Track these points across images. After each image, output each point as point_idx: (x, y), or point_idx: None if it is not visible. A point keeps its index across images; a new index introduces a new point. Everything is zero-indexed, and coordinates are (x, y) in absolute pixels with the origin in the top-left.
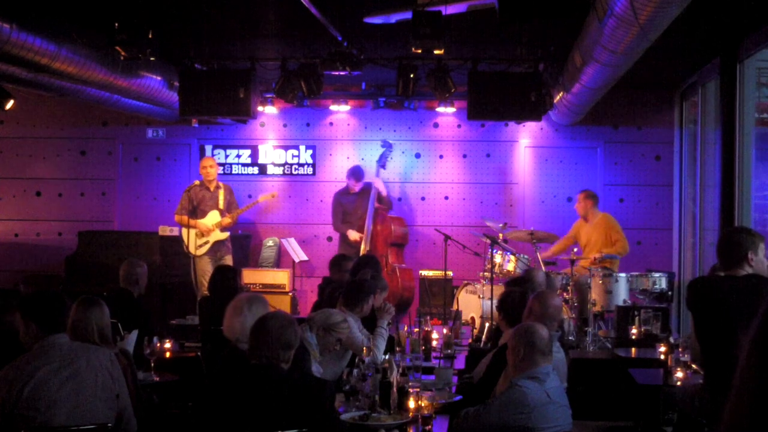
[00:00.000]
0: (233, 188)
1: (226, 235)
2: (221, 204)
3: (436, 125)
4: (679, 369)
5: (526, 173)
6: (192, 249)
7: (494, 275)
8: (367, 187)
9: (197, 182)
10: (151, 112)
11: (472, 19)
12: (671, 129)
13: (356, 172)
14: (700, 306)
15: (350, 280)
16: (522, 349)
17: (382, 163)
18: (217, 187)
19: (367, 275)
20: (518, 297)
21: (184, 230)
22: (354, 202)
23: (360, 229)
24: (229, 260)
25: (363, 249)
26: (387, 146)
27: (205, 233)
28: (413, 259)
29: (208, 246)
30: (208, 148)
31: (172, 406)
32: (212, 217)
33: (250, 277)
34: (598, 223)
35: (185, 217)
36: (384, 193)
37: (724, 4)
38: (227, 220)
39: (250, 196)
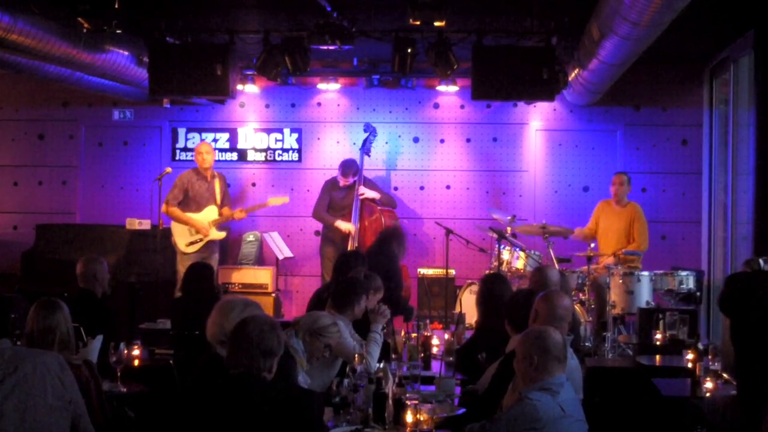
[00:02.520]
0: None
1: (222, 235)
2: (218, 197)
3: (436, 106)
4: (708, 379)
5: (537, 160)
6: (181, 245)
7: (502, 274)
8: (354, 183)
9: (193, 169)
10: (118, 91)
11: None
12: (700, 110)
13: (345, 167)
14: (738, 306)
15: (340, 280)
16: (535, 356)
17: (365, 149)
18: (213, 177)
19: (361, 274)
20: (524, 298)
21: (175, 224)
22: (344, 195)
23: (346, 221)
24: (215, 260)
25: (350, 246)
26: (370, 131)
27: (200, 230)
28: (411, 255)
29: (200, 245)
30: (181, 132)
31: (141, 420)
32: (209, 213)
33: (229, 276)
34: (626, 212)
35: (178, 210)
36: (376, 197)
37: None
38: (240, 213)
39: (228, 185)
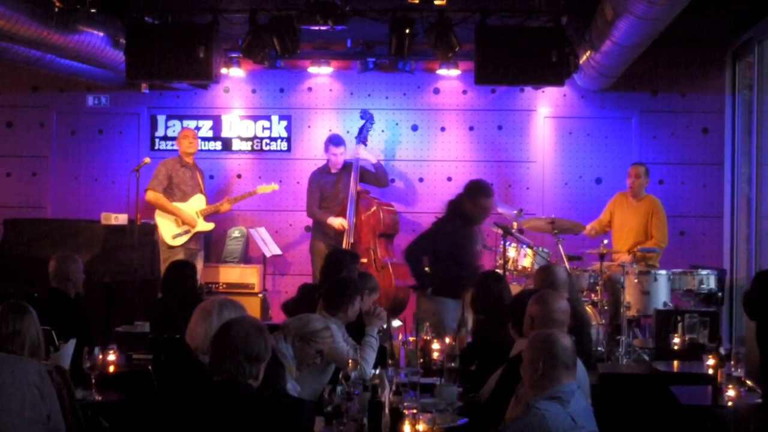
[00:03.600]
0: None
1: (211, 226)
2: (202, 187)
3: (436, 91)
4: (731, 386)
5: (545, 149)
6: (167, 238)
7: (508, 272)
8: (348, 167)
9: (176, 157)
10: (93, 76)
11: None
12: (721, 95)
13: (333, 139)
14: (764, 307)
15: (332, 279)
16: (541, 362)
17: (362, 137)
18: (195, 167)
19: (355, 273)
20: (529, 299)
21: (159, 214)
22: (333, 183)
23: (340, 217)
24: (201, 257)
25: (345, 243)
26: (367, 118)
27: (188, 222)
28: None
29: (187, 237)
30: (161, 119)
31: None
32: (197, 202)
33: (212, 275)
34: (643, 205)
35: (164, 198)
36: (374, 160)
37: None
38: (226, 205)
39: (211, 177)
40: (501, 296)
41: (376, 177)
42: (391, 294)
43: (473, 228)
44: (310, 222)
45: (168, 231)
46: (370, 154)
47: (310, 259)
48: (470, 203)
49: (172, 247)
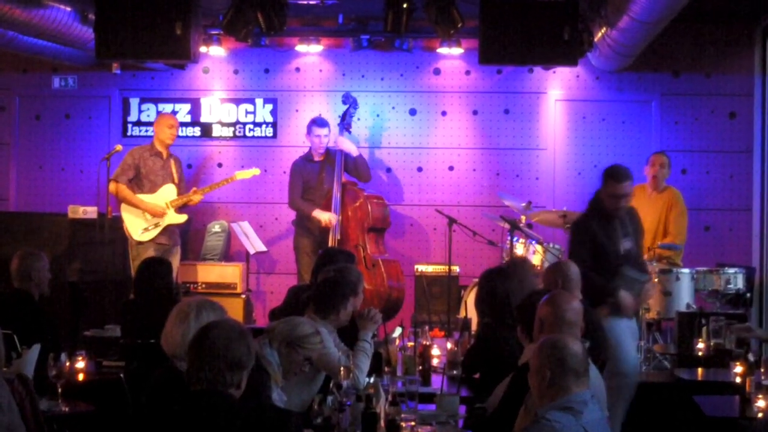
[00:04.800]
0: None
1: (183, 218)
2: (175, 177)
3: (437, 72)
4: (760, 396)
5: (556, 135)
6: (135, 233)
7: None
8: (333, 154)
9: (147, 144)
10: (59, 55)
11: None
12: (750, 76)
13: (316, 121)
14: None
15: (322, 279)
16: (548, 370)
17: (345, 124)
18: (169, 156)
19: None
20: (539, 300)
21: (125, 208)
22: (317, 172)
23: (326, 210)
24: (176, 253)
25: (331, 239)
26: (350, 102)
27: (156, 214)
28: (407, 249)
29: (158, 230)
30: (134, 102)
31: None
32: (166, 193)
33: (190, 273)
34: (662, 198)
35: (127, 190)
36: (354, 152)
37: None
38: (197, 196)
39: (189, 167)
40: (508, 297)
41: (356, 169)
42: (383, 294)
43: (614, 223)
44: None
45: (135, 225)
46: (351, 145)
47: (295, 258)
48: (603, 191)
49: (141, 243)
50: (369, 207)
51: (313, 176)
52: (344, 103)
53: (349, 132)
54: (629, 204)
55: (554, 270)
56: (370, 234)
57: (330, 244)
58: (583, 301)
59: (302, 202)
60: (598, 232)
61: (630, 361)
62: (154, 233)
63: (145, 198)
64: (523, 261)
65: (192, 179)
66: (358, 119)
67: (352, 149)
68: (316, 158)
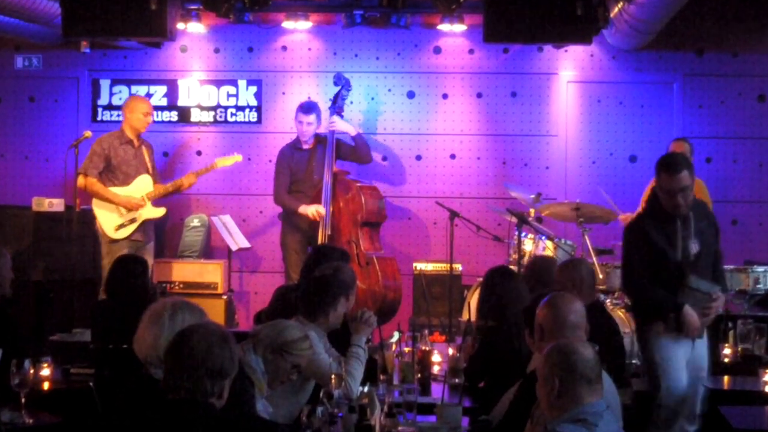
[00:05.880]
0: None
1: (161, 211)
2: (149, 166)
3: (437, 50)
4: None
5: (568, 120)
6: (109, 230)
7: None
8: (323, 141)
9: (116, 131)
10: (22, 32)
11: None
12: None
13: (305, 105)
14: None
15: (311, 277)
16: (556, 378)
17: (336, 107)
18: (140, 144)
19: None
20: None
21: (97, 203)
22: (306, 161)
23: (315, 203)
24: (150, 250)
25: (321, 234)
26: (343, 83)
27: (132, 207)
28: (404, 246)
29: (134, 226)
30: (105, 84)
31: None
32: (142, 184)
33: (166, 272)
34: None
35: (98, 184)
36: (352, 132)
37: None
38: (188, 179)
39: (166, 155)
40: (512, 297)
41: (355, 151)
42: (378, 295)
43: (674, 223)
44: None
45: (109, 222)
46: (348, 125)
47: (282, 255)
48: (657, 186)
49: (115, 241)
50: (362, 199)
51: (302, 166)
52: (336, 84)
53: (341, 116)
54: (689, 198)
55: (565, 270)
56: (364, 229)
57: (320, 240)
58: (635, 318)
59: (289, 198)
60: (655, 235)
61: (675, 391)
62: (130, 229)
63: (119, 191)
64: (549, 263)
65: (168, 169)
66: (351, 102)
67: (350, 129)
68: (305, 146)
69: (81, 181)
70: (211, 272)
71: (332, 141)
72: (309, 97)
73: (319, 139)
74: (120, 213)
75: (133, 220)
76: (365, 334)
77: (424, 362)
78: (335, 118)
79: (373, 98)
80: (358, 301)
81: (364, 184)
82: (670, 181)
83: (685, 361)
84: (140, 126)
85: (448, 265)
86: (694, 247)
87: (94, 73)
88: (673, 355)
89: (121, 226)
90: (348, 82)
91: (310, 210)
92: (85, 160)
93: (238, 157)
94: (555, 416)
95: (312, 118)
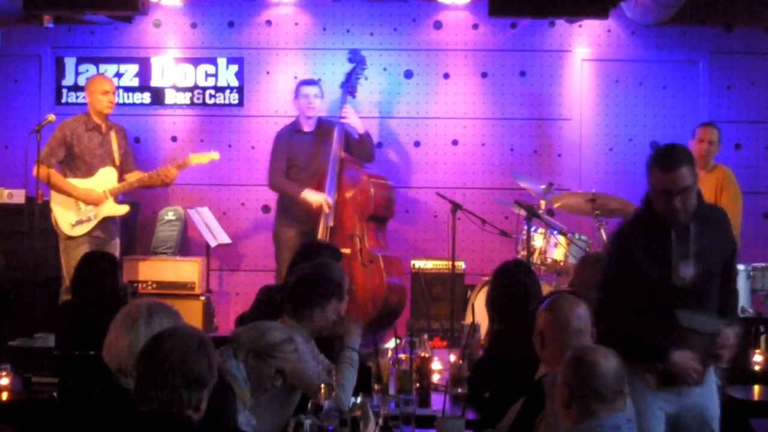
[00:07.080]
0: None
1: (124, 209)
2: (116, 155)
3: (438, 25)
4: None
5: (583, 103)
6: (65, 227)
7: (533, 267)
8: (328, 126)
9: (82, 115)
10: None
11: None
12: None
13: (307, 81)
14: None
15: (300, 275)
16: (566, 387)
17: (349, 86)
18: (109, 128)
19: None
20: None
21: (55, 196)
22: (308, 145)
23: (318, 191)
24: (115, 248)
25: (323, 227)
26: (358, 61)
27: (91, 202)
28: (401, 241)
29: (92, 224)
30: (70, 62)
31: None
32: (105, 177)
33: (138, 271)
34: (712, 178)
35: (57, 175)
36: (361, 129)
37: None
38: (171, 171)
39: (137, 141)
40: (529, 294)
41: (360, 147)
42: (380, 296)
43: (667, 236)
44: (269, 200)
45: (66, 218)
46: (357, 119)
47: (275, 251)
48: (649, 185)
49: (71, 238)
50: (372, 190)
51: (302, 150)
52: (351, 61)
53: (353, 96)
54: (689, 203)
55: (586, 266)
56: (370, 223)
57: (320, 234)
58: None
59: (286, 182)
60: (639, 251)
61: None
62: (88, 227)
63: (79, 183)
64: (595, 261)
65: (140, 157)
66: (366, 78)
67: (358, 125)
68: (306, 128)
69: (41, 171)
70: (188, 271)
71: (341, 128)
72: (296, 77)
73: (321, 124)
74: (78, 208)
75: (91, 218)
76: (356, 334)
77: (423, 370)
78: (348, 109)
79: (366, 78)
80: (357, 303)
81: (374, 174)
82: (664, 179)
83: (665, 415)
84: (102, 107)
85: (450, 262)
86: (686, 271)
87: (58, 50)
88: (647, 408)
89: (79, 222)
90: (363, 59)
91: (315, 198)
92: (45, 148)
93: (215, 155)
94: (568, 426)
95: (317, 90)
